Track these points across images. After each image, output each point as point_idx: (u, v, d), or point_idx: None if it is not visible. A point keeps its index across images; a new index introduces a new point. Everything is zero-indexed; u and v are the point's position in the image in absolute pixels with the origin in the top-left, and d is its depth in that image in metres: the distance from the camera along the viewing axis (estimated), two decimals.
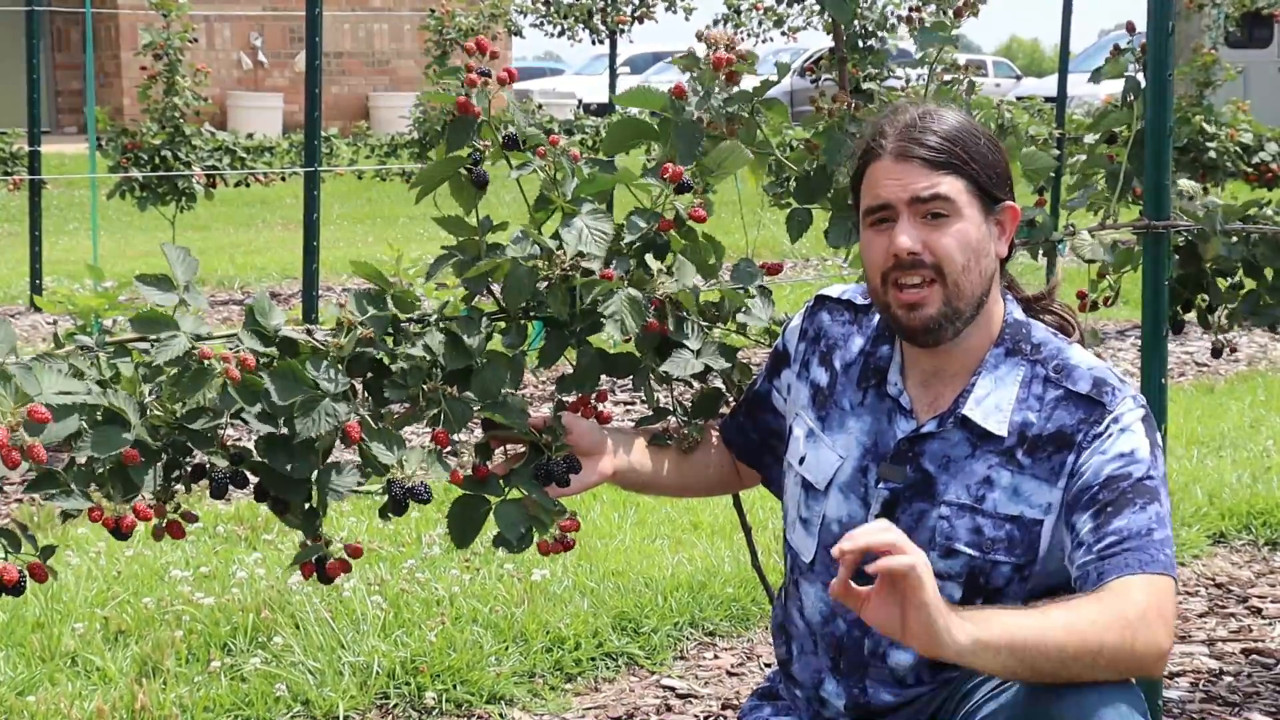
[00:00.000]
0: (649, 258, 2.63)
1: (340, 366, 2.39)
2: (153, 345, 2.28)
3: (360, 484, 2.41)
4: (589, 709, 3.85)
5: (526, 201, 2.64)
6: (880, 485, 2.43)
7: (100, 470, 2.24)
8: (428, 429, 2.48)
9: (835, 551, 2.08)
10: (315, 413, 2.33)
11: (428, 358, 2.46)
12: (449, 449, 2.47)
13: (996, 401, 2.39)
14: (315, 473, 2.39)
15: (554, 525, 2.53)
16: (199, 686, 3.77)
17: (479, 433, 2.60)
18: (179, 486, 2.36)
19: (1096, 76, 3.49)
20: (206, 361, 2.27)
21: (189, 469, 2.35)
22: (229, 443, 2.35)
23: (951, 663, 2.38)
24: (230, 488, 2.35)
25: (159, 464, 2.31)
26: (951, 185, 2.34)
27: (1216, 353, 3.72)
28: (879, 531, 2.08)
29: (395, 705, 3.80)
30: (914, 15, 5.34)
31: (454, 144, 2.60)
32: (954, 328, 2.37)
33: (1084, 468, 2.32)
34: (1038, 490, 2.36)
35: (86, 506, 2.23)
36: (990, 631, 2.11)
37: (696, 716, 3.81)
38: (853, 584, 2.10)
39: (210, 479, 2.33)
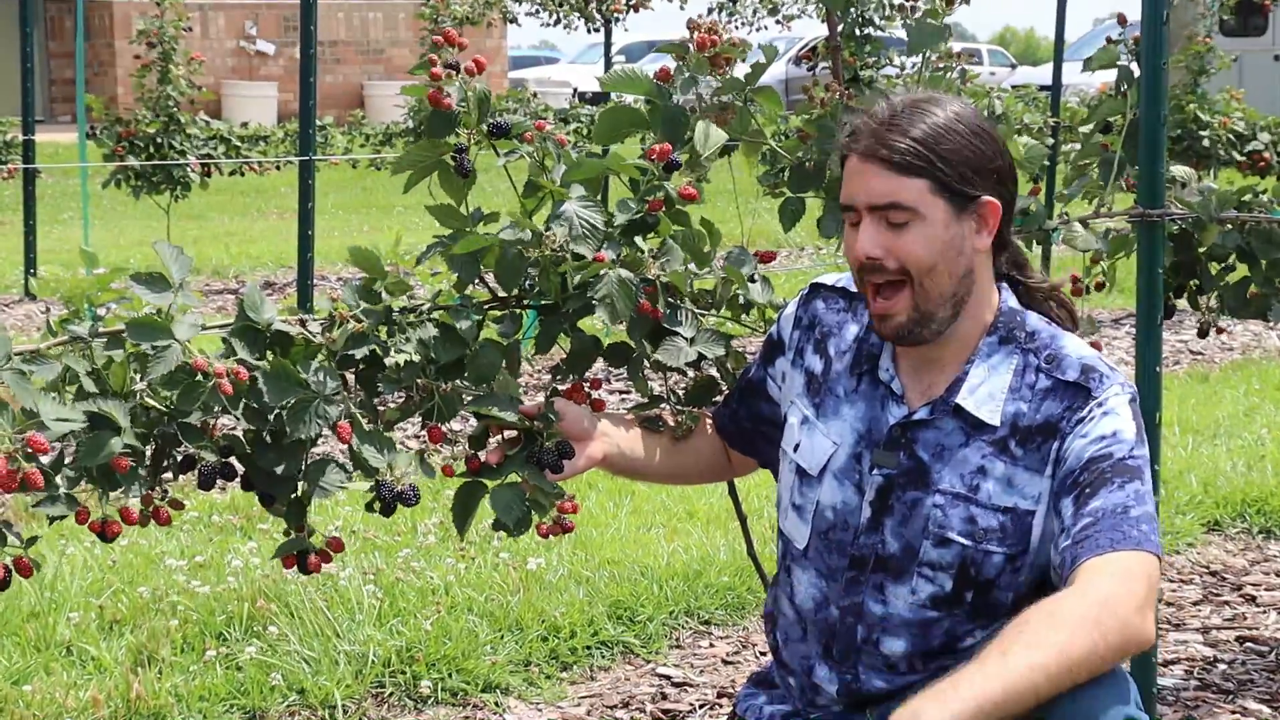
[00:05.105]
0: (639, 239, 2.62)
1: (332, 364, 2.38)
2: (148, 354, 2.27)
3: (347, 481, 2.41)
4: (584, 698, 3.86)
5: (516, 190, 2.63)
6: (874, 472, 2.43)
7: (88, 466, 2.24)
8: (420, 419, 2.48)
9: None
10: (306, 415, 2.33)
11: (420, 355, 2.45)
12: (442, 440, 2.47)
13: (990, 390, 2.39)
14: (303, 469, 2.38)
15: (552, 508, 2.53)
16: (194, 675, 3.77)
17: (474, 422, 2.60)
18: (167, 474, 2.36)
19: (1088, 66, 3.50)
20: (199, 374, 2.27)
21: (178, 458, 2.35)
22: (219, 432, 2.35)
23: (944, 651, 2.39)
24: (219, 479, 2.35)
25: (148, 452, 2.31)
26: (911, 189, 2.32)
27: (1203, 333, 3.73)
28: None
29: (390, 694, 3.80)
30: (907, 4, 5.33)
31: (435, 137, 2.59)
32: (930, 329, 2.37)
33: (1067, 453, 2.32)
34: (1030, 481, 2.36)
35: (74, 511, 2.23)
36: (956, 709, 2.05)
37: (692, 705, 3.82)
38: None
39: (198, 471, 2.33)
